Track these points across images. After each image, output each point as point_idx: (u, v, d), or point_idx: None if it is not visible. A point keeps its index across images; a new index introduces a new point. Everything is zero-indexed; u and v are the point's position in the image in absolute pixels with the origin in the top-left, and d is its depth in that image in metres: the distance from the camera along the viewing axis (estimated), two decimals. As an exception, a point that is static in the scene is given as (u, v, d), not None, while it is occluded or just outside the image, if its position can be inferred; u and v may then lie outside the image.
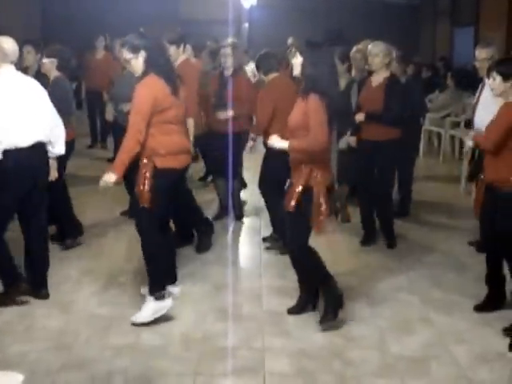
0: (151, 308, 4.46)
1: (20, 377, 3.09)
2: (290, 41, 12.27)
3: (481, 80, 5.80)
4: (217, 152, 6.39)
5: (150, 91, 4.34)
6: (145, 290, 4.67)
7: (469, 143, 4.78)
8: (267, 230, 6.25)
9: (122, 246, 5.89)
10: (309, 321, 4.52)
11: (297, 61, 4.46)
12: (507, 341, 4.17)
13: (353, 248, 6.02)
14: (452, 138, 10.12)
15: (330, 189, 4.40)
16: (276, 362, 3.98)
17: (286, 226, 4.49)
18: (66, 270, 5.33)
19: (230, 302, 4.78)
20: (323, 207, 4.30)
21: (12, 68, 4.63)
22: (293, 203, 4.31)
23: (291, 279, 5.04)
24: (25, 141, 4.53)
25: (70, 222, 5.98)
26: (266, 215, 6.82)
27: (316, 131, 4.19)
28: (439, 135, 10.48)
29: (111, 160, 8.04)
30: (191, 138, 5.63)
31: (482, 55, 5.75)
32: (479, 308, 4.69)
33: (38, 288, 4.78)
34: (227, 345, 4.21)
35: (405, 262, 5.68)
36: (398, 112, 5.68)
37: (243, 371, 3.91)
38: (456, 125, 10.08)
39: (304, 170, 4.30)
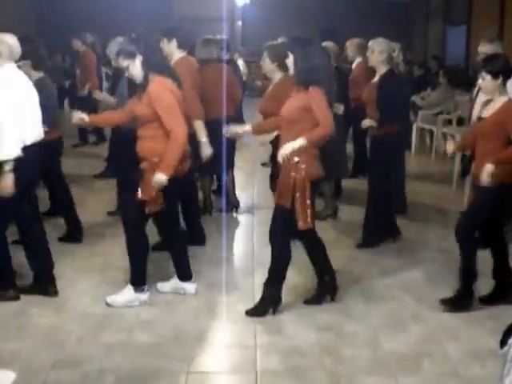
0: (128, 296, 4.63)
1: (12, 375, 3.08)
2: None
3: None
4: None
5: (167, 91, 4.39)
6: (161, 285, 4.85)
7: (450, 148, 4.80)
8: (260, 227, 6.26)
9: (116, 244, 5.86)
10: (301, 318, 4.52)
11: (289, 59, 4.50)
12: (499, 338, 4.17)
13: (346, 245, 6.02)
14: (444, 135, 10.14)
15: (315, 182, 4.45)
16: (268, 359, 3.98)
17: (272, 220, 4.52)
18: (59, 268, 5.29)
19: (222, 300, 4.79)
20: (308, 201, 4.34)
21: (14, 66, 4.60)
22: (286, 197, 4.35)
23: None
24: (26, 140, 4.51)
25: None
26: (259, 212, 6.85)
27: (324, 117, 4.29)
28: (431, 133, 10.50)
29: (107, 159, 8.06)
30: (204, 140, 5.65)
31: (485, 50, 5.76)
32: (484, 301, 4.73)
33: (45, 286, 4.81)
34: (220, 342, 4.23)
35: (398, 259, 5.69)
36: (389, 111, 5.66)
37: (236, 369, 3.91)
38: (448, 122, 10.11)
39: (291, 163, 4.33)
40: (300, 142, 4.28)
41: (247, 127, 4.94)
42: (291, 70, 4.57)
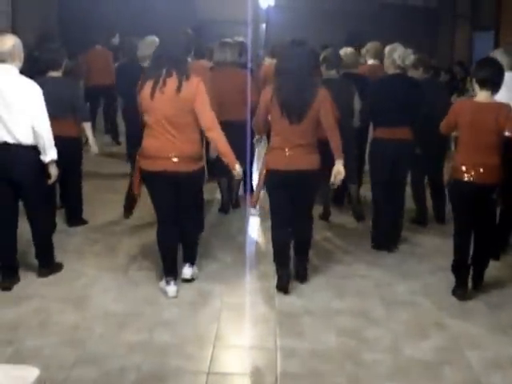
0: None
1: (36, 371, 3.08)
2: None
3: None
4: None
5: None
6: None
7: None
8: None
9: (138, 243, 5.91)
10: (321, 322, 4.52)
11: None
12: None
13: (367, 250, 5.99)
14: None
15: None
16: (288, 362, 3.98)
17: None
18: (81, 266, 5.36)
19: (243, 302, 4.80)
20: None
21: None
22: None
23: (305, 280, 5.06)
24: None
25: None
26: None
27: (334, 123, 4.78)
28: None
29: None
30: None
31: None
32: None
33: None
34: (240, 344, 4.23)
35: (421, 266, 5.65)
36: (375, 113, 5.87)
37: (256, 371, 3.91)
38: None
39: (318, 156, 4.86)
40: (341, 160, 4.77)
41: None
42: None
